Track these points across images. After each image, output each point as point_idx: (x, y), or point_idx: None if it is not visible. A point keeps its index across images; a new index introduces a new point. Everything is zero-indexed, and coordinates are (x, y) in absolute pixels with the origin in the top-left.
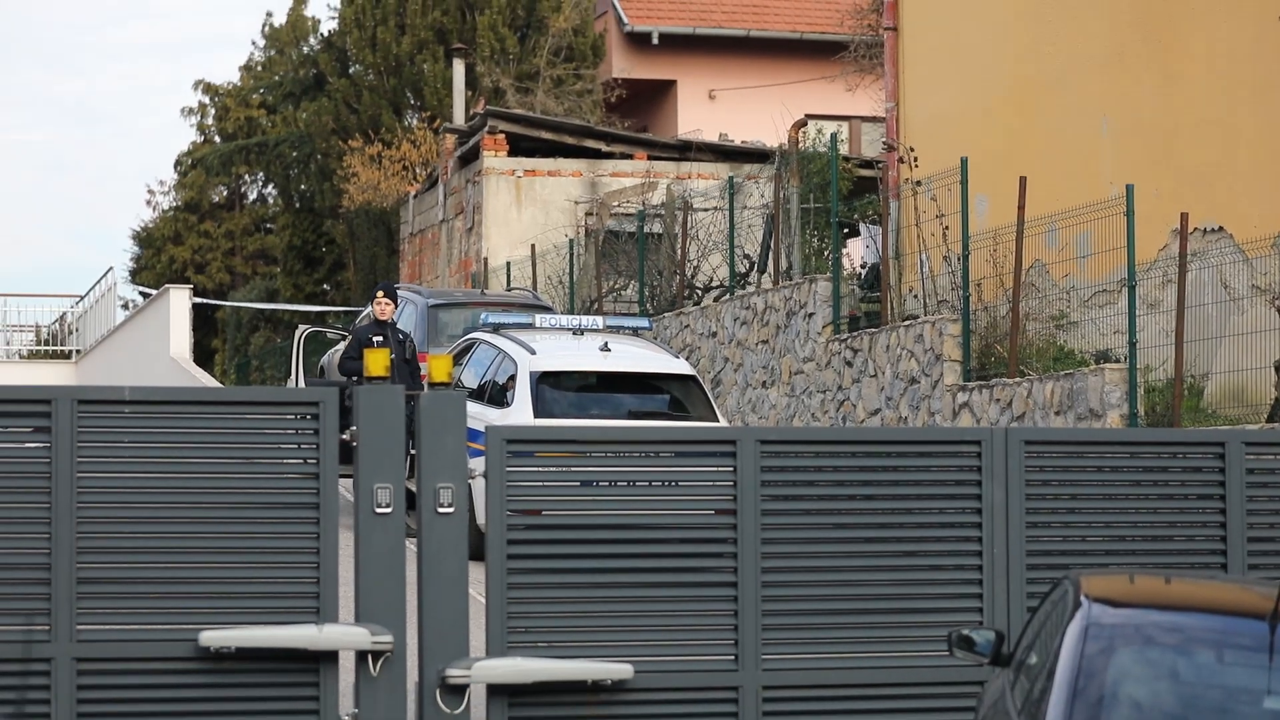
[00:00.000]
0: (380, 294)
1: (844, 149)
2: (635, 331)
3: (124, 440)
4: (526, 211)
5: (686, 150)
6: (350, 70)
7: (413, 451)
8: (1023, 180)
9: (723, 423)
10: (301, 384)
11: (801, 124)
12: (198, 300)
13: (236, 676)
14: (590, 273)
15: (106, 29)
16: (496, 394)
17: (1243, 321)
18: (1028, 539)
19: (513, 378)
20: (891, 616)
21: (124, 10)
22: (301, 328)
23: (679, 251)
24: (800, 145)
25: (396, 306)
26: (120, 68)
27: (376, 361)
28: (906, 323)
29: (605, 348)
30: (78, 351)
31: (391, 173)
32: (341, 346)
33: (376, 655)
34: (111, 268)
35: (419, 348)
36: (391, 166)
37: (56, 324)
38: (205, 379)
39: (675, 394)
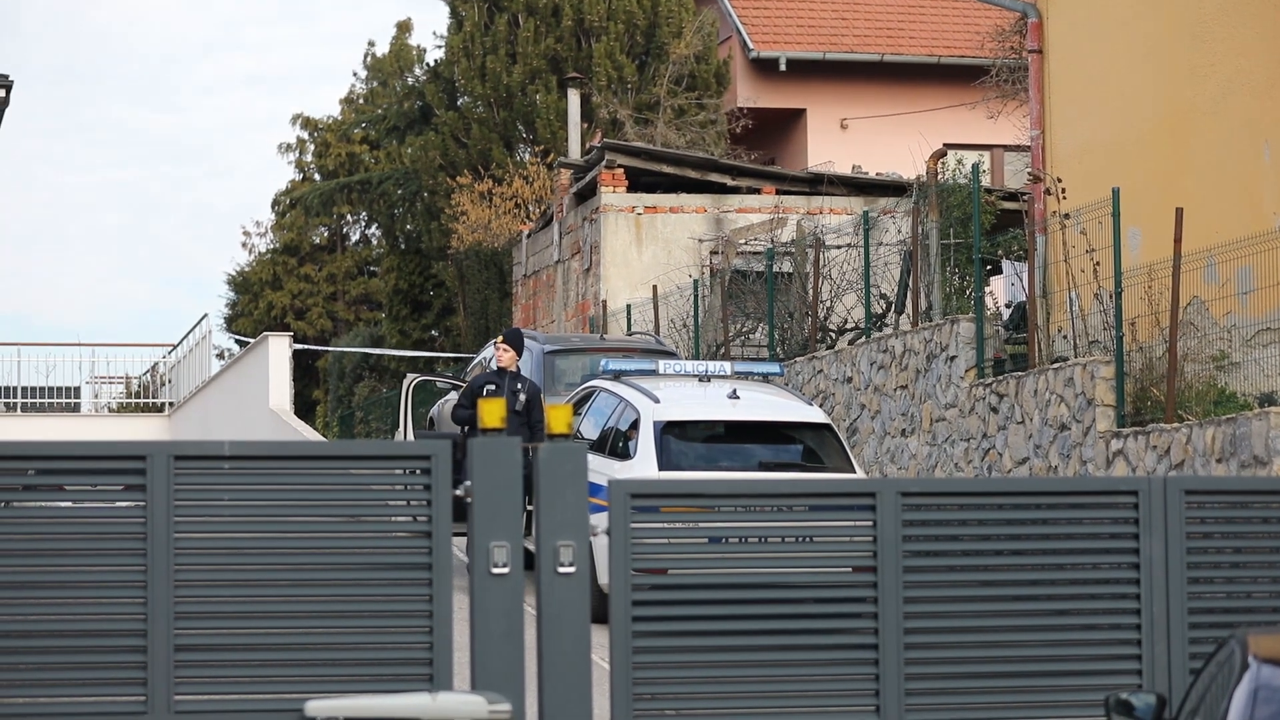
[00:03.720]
0: (499, 340)
1: (986, 180)
2: (765, 377)
3: (223, 498)
4: (647, 250)
5: (818, 183)
6: (458, 102)
7: (530, 507)
8: (1179, 212)
9: (860, 474)
10: (410, 436)
11: (940, 154)
12: (298, 347)
13: None
14: (716, 315)
15: (199, 62)
16: (618, 445)
17: None
18: (1189, 596)
19: (635, 428)
20: (1043, 679)
21: (217, 42)
22: (409, 377)
23: (811, 291)
24: (939, 177)
25: (518, 354)
26: (214, 102)
27: (491, 412)
28: (1055, 365)
29: (733, 395)
30: (171, 404)
31: (503, 211)
32: (453, 396)
33: None
34: (206, 315)
35: None
36: (503, 204)
37: (148, 375)
38: (307, 432)
39: (809, 444)
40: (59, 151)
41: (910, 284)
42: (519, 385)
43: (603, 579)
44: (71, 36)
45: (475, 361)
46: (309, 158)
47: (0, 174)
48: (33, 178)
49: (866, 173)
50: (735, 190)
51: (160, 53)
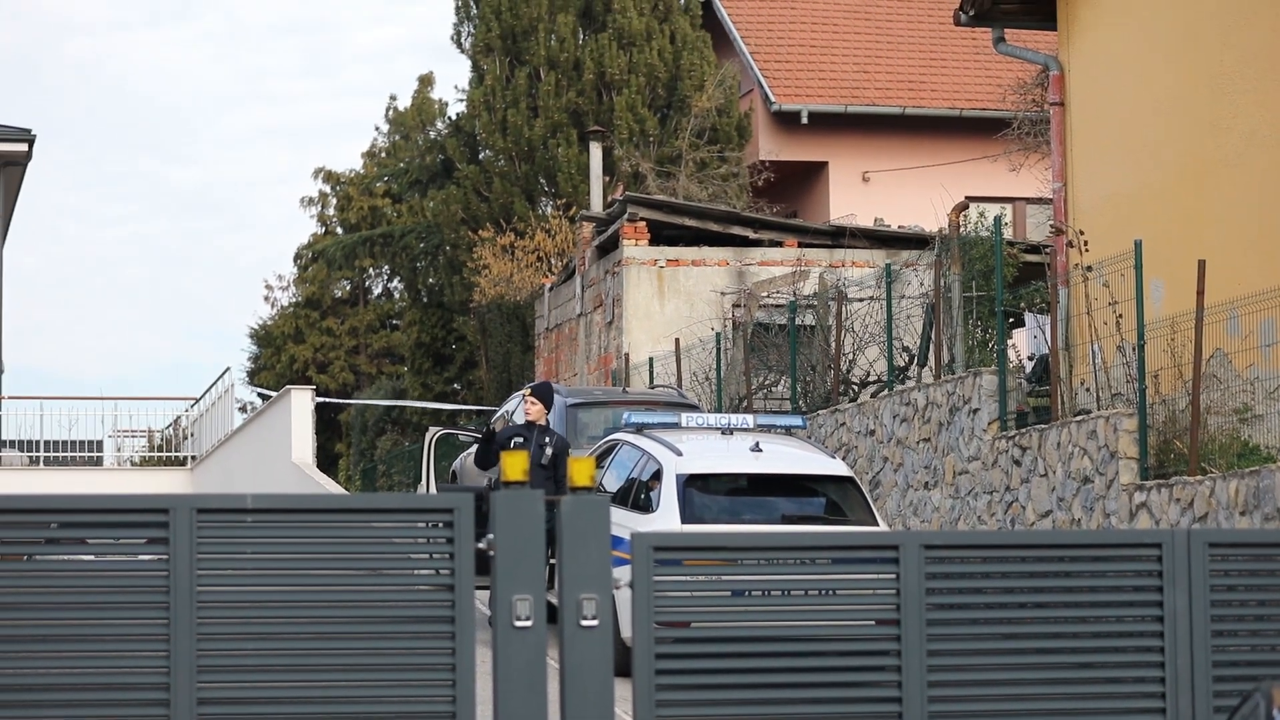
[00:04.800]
0: (527, 393)
1: (1008, 233)
2: (788, 430)
3: (246, 551)
4: (669, 303)
5: (840, 236)
6: (480, 156)
7: (553, 560)
8: (1201, 264)
9: (883, 527)
10: (433, 490)
11: (963, 207)
12: (321, 400)
13: None
14: (738, 368)
15: (221, 115)
16: (641, 498)
17: None
18: (1213, 649)
19: (658, 481)
20: None
21: (239, 95)
22: (432, 430)
23: (833, 344)
24: (961, 229)
25: (548, 408)
26: (236, 155)
27: (514, 465)
28: (1078, 418)
29: (756, 448)
30: (193, 457)
31: (525, 264)
32: (474, 450)
33: None
34: (229, 368)
35: None
36: (525, 257)
37: (171, 428)
38: (330, 485)
39: (831, 497)
40: (81, 204)
41: (933, 337)
42: (546, 439)
43: (625, 632)
44: (94, 89)
45: (498, 414)
46: (331, 211)
47: (23, 227)
48: (55, 231)
49: (889, 225)
50: (757, 243)
51: (182, 105)
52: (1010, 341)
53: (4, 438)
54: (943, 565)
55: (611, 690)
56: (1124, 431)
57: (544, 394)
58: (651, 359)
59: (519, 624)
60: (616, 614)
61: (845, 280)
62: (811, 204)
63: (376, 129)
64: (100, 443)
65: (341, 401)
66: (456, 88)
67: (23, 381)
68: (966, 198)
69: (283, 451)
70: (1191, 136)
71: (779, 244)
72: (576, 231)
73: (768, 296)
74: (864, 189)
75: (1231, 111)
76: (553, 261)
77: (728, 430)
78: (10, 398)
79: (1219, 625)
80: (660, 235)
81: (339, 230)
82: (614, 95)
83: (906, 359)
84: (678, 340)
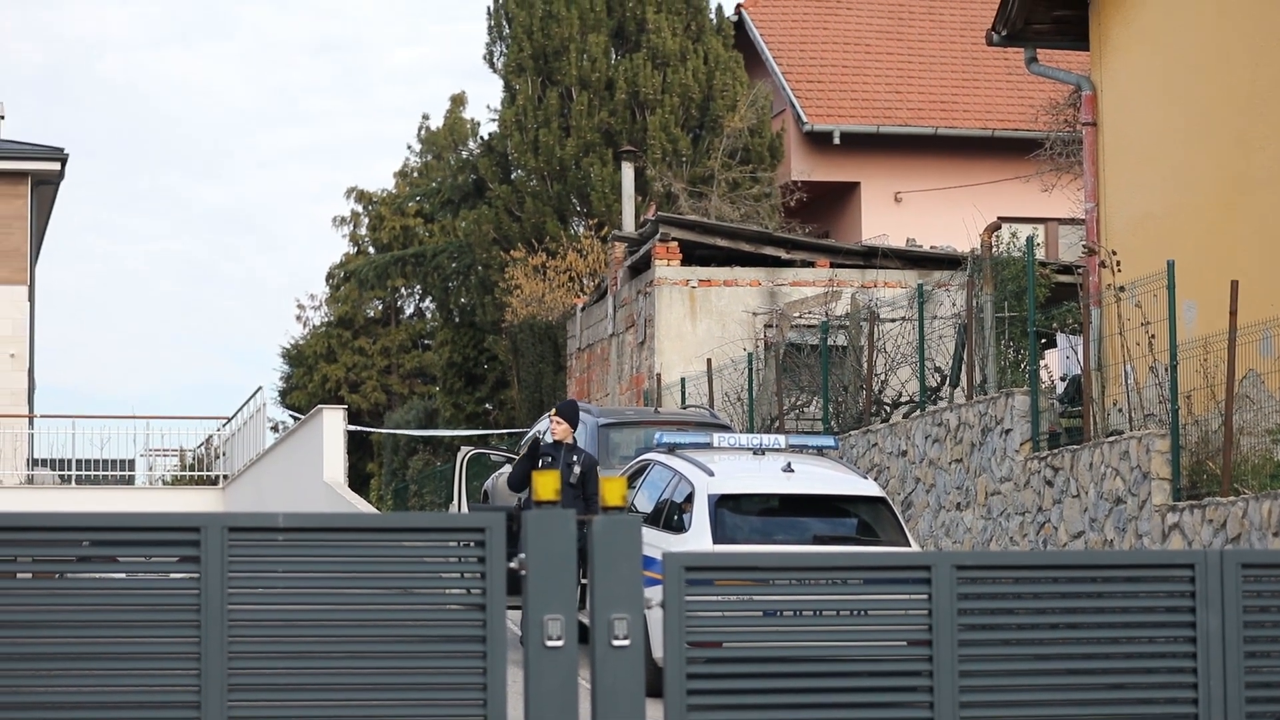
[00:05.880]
0: (553, 412)
1: (1040, 253)
2: (820, 451)
3: (277, 570)
4: (701, 324)
5: (872, 256)
6: (512, 176)
7: (584, 580)
8: (1234, 284)
9: (915, 547)
10: (464, 509)
11: (995, 227)
12: (351, 429)
13: None
14: (770, 388)
15: (253, 134)
16: (673, 518)
17: None
18: (1246, 670)
19: (690, 501)
20: None
21: (271, 114)
22: (464, 450)
23: (865, 365)
24: (994, 250)
25: (573, 427)
26: (268, 174)
27: (546, 485)
28: (1111, 439)
29: (788, 468)
30: (224, 476)
31: (557, 284)
32: (507, 469)
33: None
34: (260, 387)
35: None
36: (557, 277)
37: (202, 448)
38: (361, 505)
39: (863, 517)
40: (113, 223)
41: (965, 357)
42: (574, 458)
43: (657, 652)
44: (126, 108)
45: (529, 435)
46: (363, 231)
47: (56, 245)
48: (88, 249)
49: (921, 246)
50: (789, 263)
51: (215, 124)
52: (1042, 362)
53: (36, 456)
54: (975, 586)
55: (643, 710)
56: (1156, 452)
57: (569, 413)
58: (683, 379)
59: (550, 644)
60: (648, 634)
61: (877, 300)
62: (843, 224)
63: (409, 148)
64: (132, 462)
65: (369, 430)
66: (489, 107)
67: (55, 400)
68: (999, 218)
69: (314, 471)
70: (1224, 156)
71: (811, 264)
72: (609, 251)
73: (800, 317)
74: (896, 209)
75: (1264, 131)
76: (585, 281)
77: (760, 450)
78: (42, 416)
79: (1252, 647)
80: (692, 255)
81: (371, 250)
82: (647, 115)
83: (938, 379)
84: (709, 360)
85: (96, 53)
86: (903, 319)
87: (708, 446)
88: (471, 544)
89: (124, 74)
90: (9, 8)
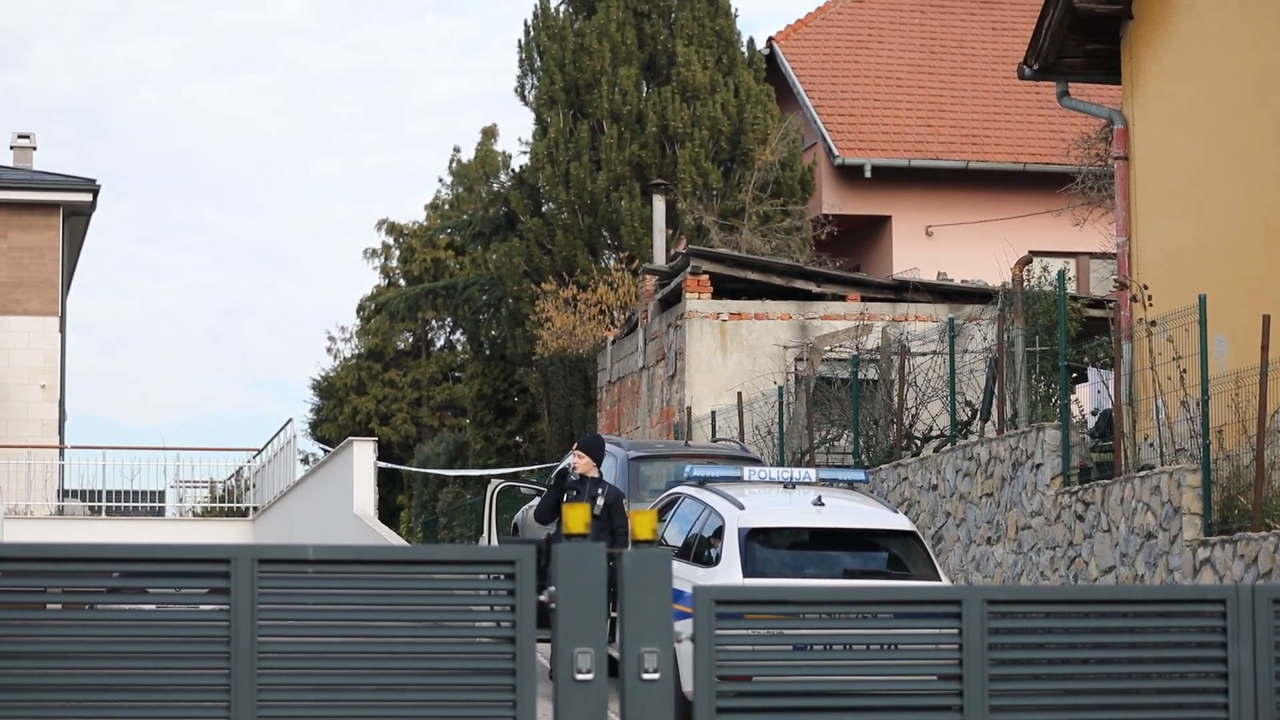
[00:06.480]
0: (576, 447)
1: (1072, 287)
2: (850, 485)
3: (307, 602)
4: (732, 357)
5: (903, 290)
6: (543, 209)
7: (614, 613)
8: (1265, 319)
9: (945, 582)
10: (494, 542)
11: (1026, 261)
12: (381, 465)
13: None
14: (801, 422)
15: (285, 166)
16: (703, 552)
17: None
18: (1278, 705)
19: (720, 534)
20: None
21: (303, 146)
22: (494, 482)
23: (896, 399)
24: (1025, 284)
25: (596, 461)
26: (299, 206)
27: (576, 518)
28: (1142, 473)
29: (819, 502)
30: (255, 509)
31: (587, 317)
32: (536, 502)
33: None
34: (291, 419)
35: None
36: (587, 310)
37: (233, 479)
38: (391, 537)
39: (894, 551)
40: (145, 254)
41: (996, 391)
42: (599, 490)
43: (687, 686)
44: (158, 140)
45: (558, 470)
46: (394, 263)
47: (87, 277)
48: (119, 281)
49: (952, 280)
50: (820, 297)
51: (246, 156)
52: (1073, 396)
53: (66, 488)
54: (1005, 620)
55: None
56: (1188, 487)
57: (591, 448)
58: (714, 412)
59: (580, 677)
60: (678, 667)
61: (908, 334)
62: (874, 258)
63: (440, 181)
64: (162, 493)
65: (401, 468)
66: (520, 140)
67: (85, 431)
68: (1030, 252)
69: (344, 503)
70: (1256, 191)
71: (842, 298)
72: (639, 284)
73: (830, 350)
74: (927, 243)
75: None
76: (615, 314)
77: (790, 484)
78: (73, 447)
79: None
80: (723, 289)
81: (402, 282)
82: (677, 149)
83: (969, 413)
84: (740, 394)
85: (130, 85)
86: (934, 353)
87: (738, 480)
88: (501, 576)
89: (157, 106)
90: (44, 39)
